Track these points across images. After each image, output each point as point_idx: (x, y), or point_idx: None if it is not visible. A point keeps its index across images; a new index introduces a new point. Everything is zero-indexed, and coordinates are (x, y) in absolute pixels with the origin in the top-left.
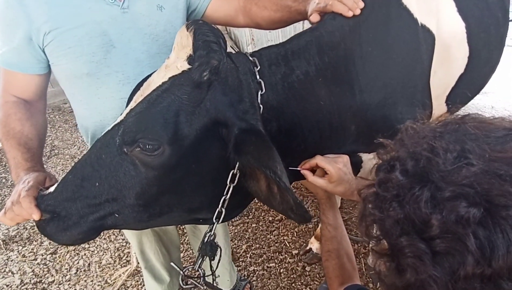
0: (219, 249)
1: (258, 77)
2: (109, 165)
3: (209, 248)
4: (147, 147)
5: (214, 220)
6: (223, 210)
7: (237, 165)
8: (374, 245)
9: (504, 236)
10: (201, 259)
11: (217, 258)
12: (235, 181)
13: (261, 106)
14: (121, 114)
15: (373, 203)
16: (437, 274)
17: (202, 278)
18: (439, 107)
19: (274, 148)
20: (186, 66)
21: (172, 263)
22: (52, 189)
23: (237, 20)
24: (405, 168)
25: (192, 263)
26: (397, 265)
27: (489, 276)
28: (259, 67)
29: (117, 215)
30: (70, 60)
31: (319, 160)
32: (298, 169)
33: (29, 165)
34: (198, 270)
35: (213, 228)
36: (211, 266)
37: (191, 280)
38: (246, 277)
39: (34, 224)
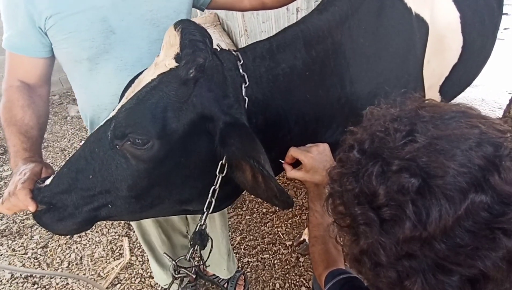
0: (210, 239)
1: (241, 70)
2: (102, 158)
3: (199, 237)
4: (137, 141)
5: (204, 210)
6: (213, 200)
7: (224, 157)
8: (337, 219)
9: (437, 203)
10: (192, 248)
11: (207, 248)
12: (224, 172)
13: (246, 98)
14: (113, 110)
15: (336, 180)
16: (383, 239)
17: (193, 268)
18: (433, 97)
19: (257, 140)
20: (173, 64)
21: (164, 254)
22: (48, 181)
23: (242, 2)
24: (362, 147)
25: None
26: (353, 234)
27: (425, 239)
28: (242, 61)
29: (110, 206)
30: (70, 44)
31: (293, 151)
32: (282, 162)
33: (27, 155)
34: (190, 260)
35: (204, 218)
36: (200, 255)
37: (183, 269)
38: (240, 269)
39: (24, 218)
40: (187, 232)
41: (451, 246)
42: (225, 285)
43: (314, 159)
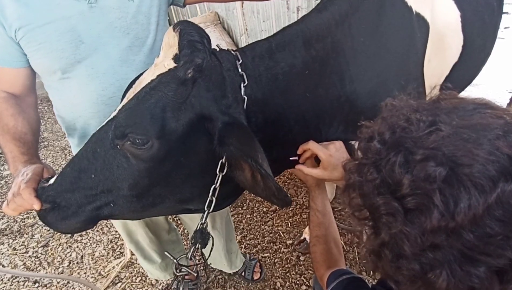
0: (211, 238)
1: (240, 70)
2: (104, 158)
3: (200, 236)
4: (137, 141)
5: (205, 209)
6: (214, 199)
7: (224, 156)
8: (355, 212)
9: (466, 191)
10: (193, 247)
11: (209, 246)
12: (224, 171)
13: (245, 97)
14: (115, 110)
15: (355, 171)
16: (408, 229)
17: (195, 267)
18: None
19: (255, 139)
20: (172, 64)
21: (166, 253)
22: (52, 181)
23: None
24: (383, 138)
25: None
26: (374, 226)
27: (453, 229)
28: (241, 61)
29: (112, 205)
30: (41, 56)
31: (312, 146)
32: (295, 159)
33: (26, 158)
34: (191, 259)
35: (205, 217)
36: (202, 253)
37: (185, 267)
38: (255, 256)
39: (25, 217)
40: (176, 223)
41: (480, 236)
42: (243, 274)
43: (332, 157)
